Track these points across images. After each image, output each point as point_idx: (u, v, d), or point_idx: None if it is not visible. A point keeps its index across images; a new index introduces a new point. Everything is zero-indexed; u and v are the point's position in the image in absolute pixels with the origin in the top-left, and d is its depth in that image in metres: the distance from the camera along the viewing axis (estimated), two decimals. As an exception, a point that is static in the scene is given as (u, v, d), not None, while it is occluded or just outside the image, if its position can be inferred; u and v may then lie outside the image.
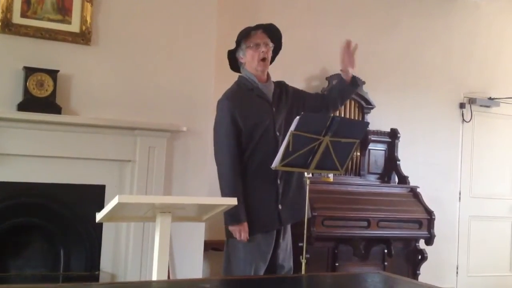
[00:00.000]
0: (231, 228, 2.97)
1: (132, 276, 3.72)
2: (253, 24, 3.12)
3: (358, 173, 4.80)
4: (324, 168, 3.46)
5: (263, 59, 3.07)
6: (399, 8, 5.24)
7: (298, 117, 2.85)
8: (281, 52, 4.56)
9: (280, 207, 3.04)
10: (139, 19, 3.86)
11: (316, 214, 4.08)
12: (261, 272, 3.02)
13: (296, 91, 3.26)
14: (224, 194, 2.97)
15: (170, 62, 3.93)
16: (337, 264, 4.27)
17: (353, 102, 4.84)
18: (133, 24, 3.84)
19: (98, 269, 3.68)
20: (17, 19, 3.52)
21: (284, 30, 4.78)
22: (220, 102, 3.09)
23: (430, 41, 5.39)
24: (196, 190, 3.91)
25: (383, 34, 5.12)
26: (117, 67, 3.78)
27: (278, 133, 3.05)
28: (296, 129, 2.87)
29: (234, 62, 3.19)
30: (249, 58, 3.09)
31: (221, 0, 4.18)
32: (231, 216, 2.90)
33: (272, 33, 3.16)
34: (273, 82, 3.19)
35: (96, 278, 3.65)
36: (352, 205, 4.36)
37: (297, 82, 4.72)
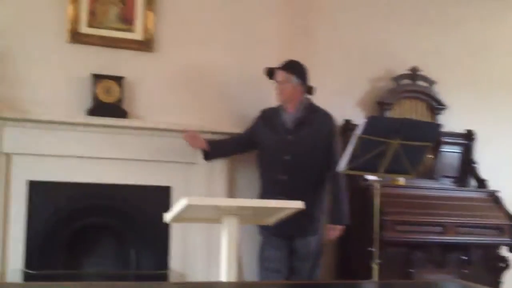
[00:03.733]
0: None
1: (201, 275, 3.73)
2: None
3: (431, 176, 4.58)
4: (394, 172, 3.34)
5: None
6: (468, 3, 4.96)
7: (365, 120, 2.77)
8: (343, 54, 4.44)
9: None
10: (199, 26, 3.91)
11: (387, 218, 3.91)
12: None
13: (330, 139, 3.48)
14: None
15: (232, 66, 3.95)
16: (411, 271, 4.07)
17: (423, 103, 4.62)
18: (193, 30, 3.89)
19: (168, 268, 3.71)
20: (84, 29, 3.64)
21: (347, 31, 4.64)
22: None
23: (501, 38, 5.05)
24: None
25: (451, 31, 4.85)
26: (180, 72, 3.84)
27: (286, 157, 3.44)
28: (363, 132, 2.78)
29: None
30: None
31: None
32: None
33: (291, 69, 3.49)
34: (312, 110, 3.52)
35: (165, 277, 3.68)
36: (425, 210, 4.16)
37: (361, 84, 4.59)
